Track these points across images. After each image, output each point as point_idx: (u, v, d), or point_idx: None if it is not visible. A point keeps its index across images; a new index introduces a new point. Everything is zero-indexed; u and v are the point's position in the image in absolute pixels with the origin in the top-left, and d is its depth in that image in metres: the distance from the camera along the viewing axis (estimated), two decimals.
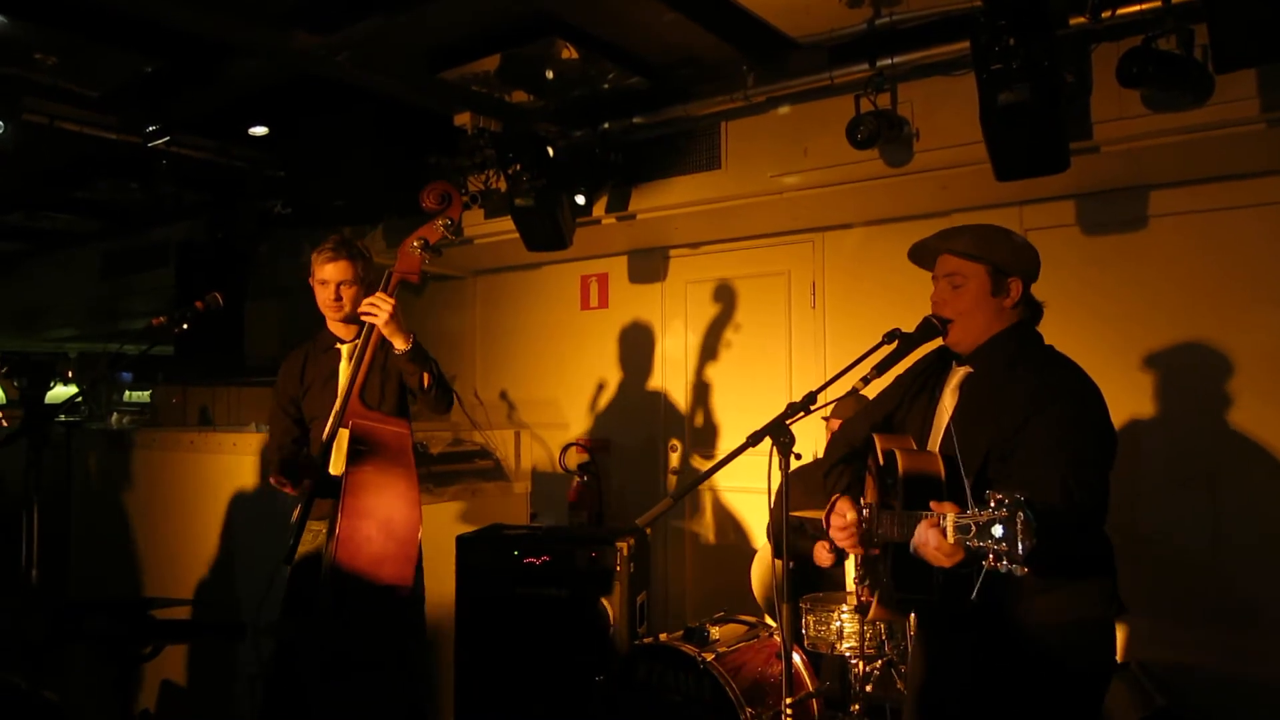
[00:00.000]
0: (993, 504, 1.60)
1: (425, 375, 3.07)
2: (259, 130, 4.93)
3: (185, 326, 3.21)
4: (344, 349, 3.26)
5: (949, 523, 1.70)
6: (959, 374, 2.29)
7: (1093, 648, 2.09)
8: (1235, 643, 3.64)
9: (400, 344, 3.01)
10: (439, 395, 3.14)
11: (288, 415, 3.32)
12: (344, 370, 3.20)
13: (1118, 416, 2.18)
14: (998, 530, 1.57)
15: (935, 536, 1.76)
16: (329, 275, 3.18)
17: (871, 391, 2.45)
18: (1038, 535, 1.54)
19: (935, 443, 2.26)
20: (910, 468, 2.05)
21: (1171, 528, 3.80)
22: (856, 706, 3.26)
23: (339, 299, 3.20)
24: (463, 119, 4.36)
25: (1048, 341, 2.31)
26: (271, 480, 3.08)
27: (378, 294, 3.00)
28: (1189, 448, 3.82)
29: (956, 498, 1.86)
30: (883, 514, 2.14)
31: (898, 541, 2.02)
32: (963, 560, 1.72)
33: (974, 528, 1.62)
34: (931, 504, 1.80)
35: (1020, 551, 1.54)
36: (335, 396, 3.10)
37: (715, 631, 3.40)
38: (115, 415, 5.94)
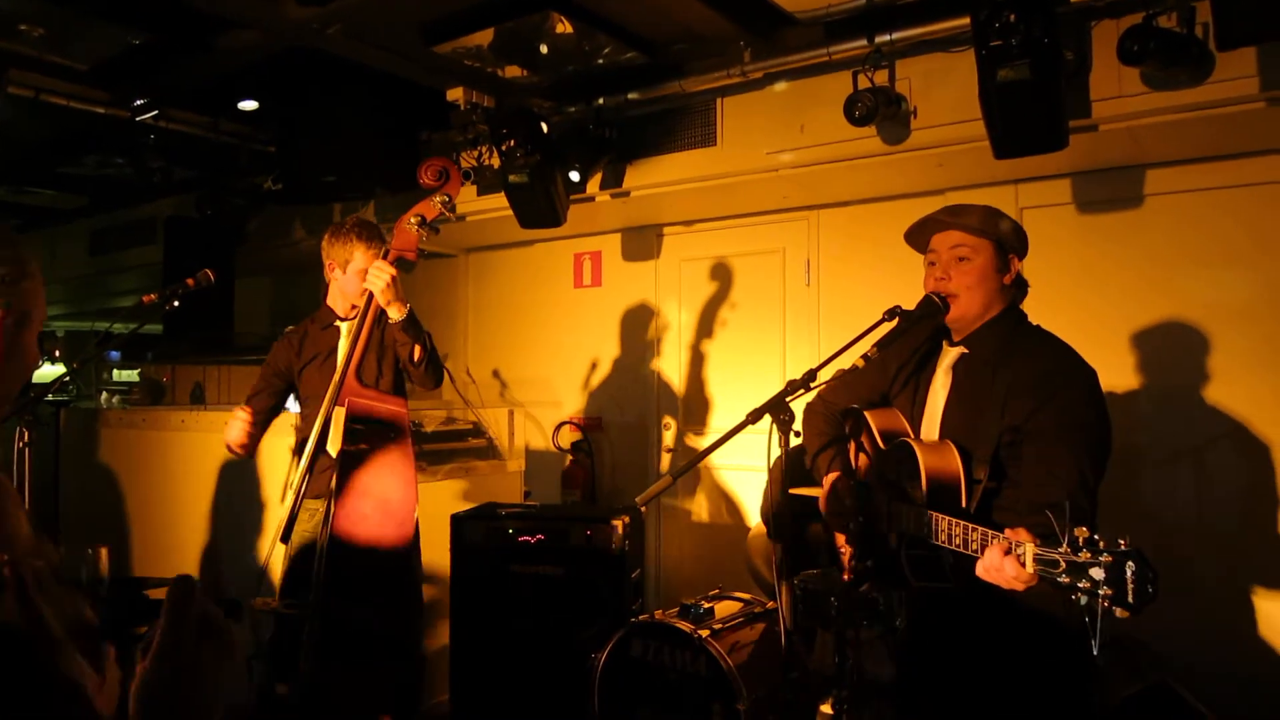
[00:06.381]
0: (1083, 542, 1.62)
1: (418, 347, 3.06)
2: (249, 105, 4.88)
3: (176, 304, 3.18)
4: (344, 326, 3.24)
5: (1028, 554, 1.72)
6: (951, 355, 2.30)
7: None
8: (1228, 616, 3.68)
9: (396, 313, 3.00)
10: (430, 368, 3.12)
11: (269, 385, 3.28)
12: (343, 347, 3.18)
13: (1111, 392, 2.20)
14: (1098, 573, 1.59)
15: (1013, 565, 1.76)
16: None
17: None
18: (1154, 584, 1.57)
19: (932, 425, 2.29)
20: (932, 465, 2.11)
21: (1162, 502, 3.83)
22: (849, 682, 3.28)
23: None
24: (455, 94, 4.31)
25: (1047, 320, 2.32)
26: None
27: (377, 261, 2.98)
28: (1180, 422, 3.83)
29: (971, 488, 1.94)
30: (897, 504, 2.17)
31: (914, 535, 2.08)
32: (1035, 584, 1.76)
33: (1063, 563, 1.64)
34: (1007, 531, 1.81)
35: (1133, 600, 1.57)
36: (333, 373, 3.08)
37: (710, 608, 3.41)
38: (104, 394, 5.91)
